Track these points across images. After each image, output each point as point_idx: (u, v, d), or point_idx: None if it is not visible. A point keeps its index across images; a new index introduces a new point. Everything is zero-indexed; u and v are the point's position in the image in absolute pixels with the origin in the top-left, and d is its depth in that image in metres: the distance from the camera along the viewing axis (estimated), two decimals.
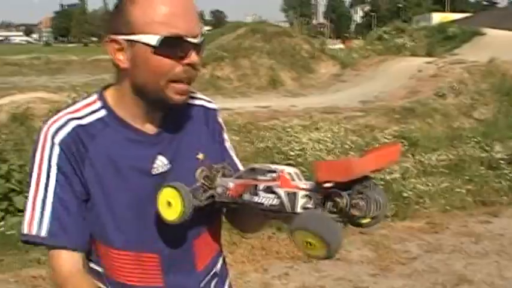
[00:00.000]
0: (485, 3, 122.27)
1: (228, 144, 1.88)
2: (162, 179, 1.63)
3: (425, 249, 5.93)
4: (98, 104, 1.65)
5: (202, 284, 1.75)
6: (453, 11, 78.21)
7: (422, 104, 12.67)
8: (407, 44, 23.66)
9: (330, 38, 73.94)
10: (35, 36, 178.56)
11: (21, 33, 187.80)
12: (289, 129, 9.91)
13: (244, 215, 1.68)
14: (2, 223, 5.84)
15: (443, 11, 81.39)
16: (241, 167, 1.86)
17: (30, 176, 1.60)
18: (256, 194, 1.46)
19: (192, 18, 1.54)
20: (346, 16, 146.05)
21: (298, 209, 1.37)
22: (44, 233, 1.55)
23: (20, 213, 5.67)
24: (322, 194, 1.35)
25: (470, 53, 18.60)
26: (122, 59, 1.56)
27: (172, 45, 1.51)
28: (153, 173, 1.63)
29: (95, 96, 1.67)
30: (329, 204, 1.33)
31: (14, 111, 9.84)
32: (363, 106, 13.01)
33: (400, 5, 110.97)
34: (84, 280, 1.60)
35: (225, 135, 1.87)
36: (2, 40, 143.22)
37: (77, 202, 1.58)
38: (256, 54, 19.69)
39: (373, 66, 18.92)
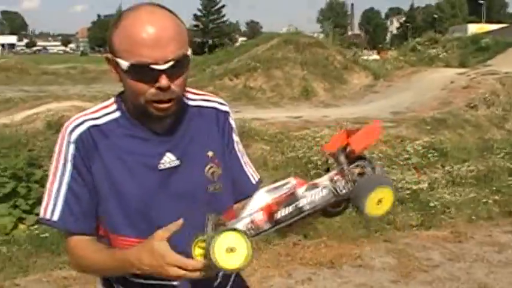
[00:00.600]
0: None
1: (238, 147, 1.99)
2: (170, 174, 1.77)
3: (448, 257, 5.95)
4: (114, 107, 1.83)
5: None
6: (489, 21, 77.36)
7: (454, 115, 12.65)
8: (440, 54, 23.60)
9: (366, 49, 73.55)
10: (72, 46, 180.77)
11: (58, 43, 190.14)
12: (319, 139, 9.99)
13: None
14: (36, 226, 6.02)
15: (480, 21, 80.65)
16: (248, 171, 2.02)
17: (50, 168, 1.81)
18: (304, 196, 1.59)
19: (164, 44, 1.62)
20: (381, 27, 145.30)
21: (342, 190, 1.59)
22: (56, 217, 1.78)
23: None
24: (347, 171, 1.58)
25: (503, 64, 18.48)
26: (114, 73, 1.74)
27: (139, 72, 1.63)
28: (160, 168, 1.77)
29: (112, 100, 1.86)
30: (353, 175, 1.58)
31: (49, 119, 10.16)
32: (394, 117, 13.03)
33: (435, 16, 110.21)
34: (90, 244, 1.79)
35: (235, 137, 1.99)
36: (40, 50, 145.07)
37: (88, 193, 1.77)
38: (289, 64, 19.73)
39: (406, 77, 18.92)
